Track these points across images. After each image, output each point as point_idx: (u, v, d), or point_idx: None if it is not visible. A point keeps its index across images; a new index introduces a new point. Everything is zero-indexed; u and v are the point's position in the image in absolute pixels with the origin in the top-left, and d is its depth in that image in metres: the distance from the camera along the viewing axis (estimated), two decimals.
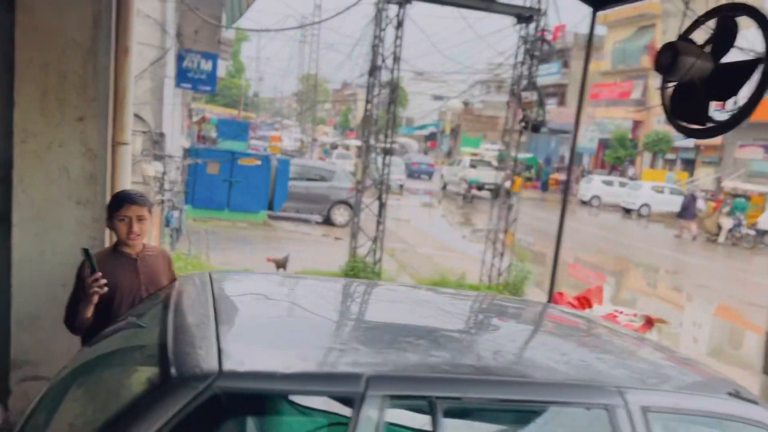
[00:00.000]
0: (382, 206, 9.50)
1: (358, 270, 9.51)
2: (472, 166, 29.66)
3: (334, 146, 38.86)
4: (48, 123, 3.48)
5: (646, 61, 37.05)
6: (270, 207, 15.30)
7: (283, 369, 1.48)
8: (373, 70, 9.16)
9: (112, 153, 3.59)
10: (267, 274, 2.69)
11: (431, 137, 55.19)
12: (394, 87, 9.08)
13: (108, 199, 3.54)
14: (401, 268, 11.36)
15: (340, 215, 16.64)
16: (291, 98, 60.48)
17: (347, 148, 38.44)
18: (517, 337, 2.00)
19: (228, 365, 1.47)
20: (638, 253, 18.30)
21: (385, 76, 9.16)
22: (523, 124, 9.74)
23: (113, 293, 2.78)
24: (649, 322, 4.76)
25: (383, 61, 9.03)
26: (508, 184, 27.17)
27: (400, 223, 16.20)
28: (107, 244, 3.55)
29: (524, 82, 9.80)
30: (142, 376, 1.80)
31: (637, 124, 37.00)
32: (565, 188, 4.82)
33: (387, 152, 9.54)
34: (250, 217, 14.83)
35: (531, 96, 9.41)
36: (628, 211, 27.05)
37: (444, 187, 32.28)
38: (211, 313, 1.85)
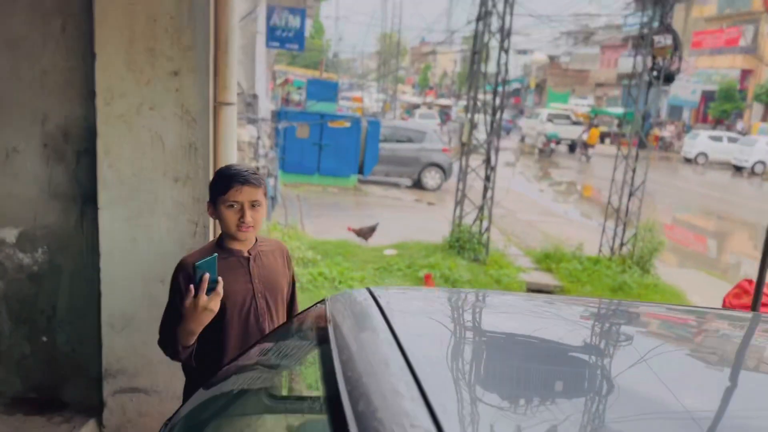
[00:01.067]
0: (492, 170, 8.53)
1: (463, 241, 8.65)
2: (549, 120, 30.22)
3: (416, 106, 37.79)
4: (136, 80, 2.78)
5: (758, 3, 33.58)
6: (360, 171, 14.63)
7: None
8: (483, 15, 8.10)
9: (214, 116, 2.86)
10: (446, 291, 1.89)
11: (515, 93, 53.01)
12: (506, 34, 7.98)
13: (211, 174, 2.83)
14: (506, 238, 10.42)
15: (432, 179, 15.76)
16: (371, 58, 59.43)
17: (429, 107, 37.32)
18: None
19: None
20: (747, 214, 16.51)
21: (495, 23, 8.09)
22: (654, 73, 8.45)
23: (223, 305, 2.06)
24: None
25: (494, 5, 7.96)
26: (585, 136, 26.97)
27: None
28: (212, 234, 2.86)
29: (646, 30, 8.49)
30: None
31: (745, 73, 33.80)
32: None
33: (496, 111, 8.53)
34: (341, 181, 14.22)
35: (665, 40, 8.09)
36: (738, 169, 24.78)
37: (522, 140, 31.73)
38: (400, 362, 1.12)
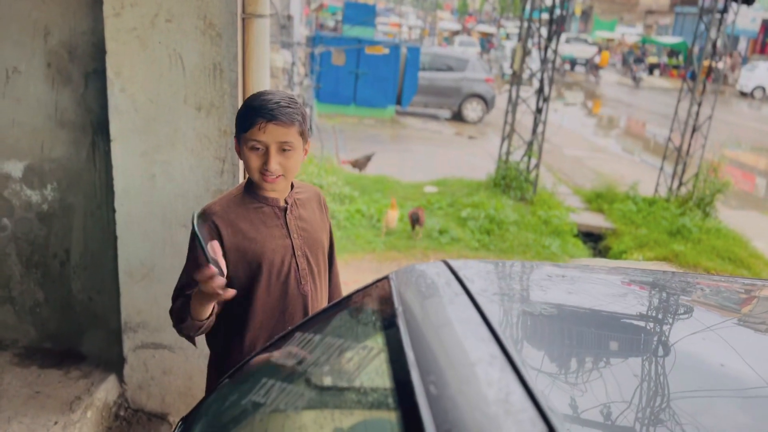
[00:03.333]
0: (545, 101, 7.87)
1: (510, 179, 8.12)
2: (567, 41, 30.80)
3: (456, 32, 36.33)
4: None
5: None
6: (398, 101, 13.96)
7: None
8: None
9: (243, 31, 2.37)
10: (539, 265, 1.45)
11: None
12: None
13: (240, 102, 2.38)
14: (555, 175, 9.84)
15: (473, 110, 15.02)
16: None
17: (469, 34, 35.86)
18: None
19: None
20: None
21: None
22: None
23: (258, 267, 1.65)
24: None
25: None
26: (597, 59, 28.11)
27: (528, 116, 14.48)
28: (242, 173, 2.43)
29: None
30: None
31: None
32: None
33: (551, 36, 7.80)
34: (377, 112, 13.61)
35: None
36: None
37: None
38: (497, 353, 0.87)
